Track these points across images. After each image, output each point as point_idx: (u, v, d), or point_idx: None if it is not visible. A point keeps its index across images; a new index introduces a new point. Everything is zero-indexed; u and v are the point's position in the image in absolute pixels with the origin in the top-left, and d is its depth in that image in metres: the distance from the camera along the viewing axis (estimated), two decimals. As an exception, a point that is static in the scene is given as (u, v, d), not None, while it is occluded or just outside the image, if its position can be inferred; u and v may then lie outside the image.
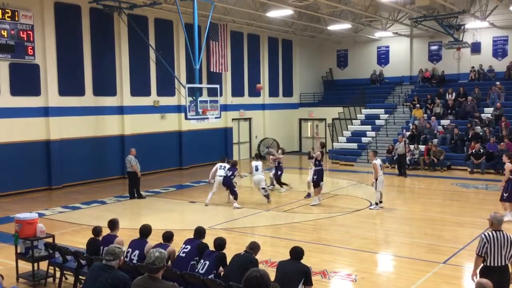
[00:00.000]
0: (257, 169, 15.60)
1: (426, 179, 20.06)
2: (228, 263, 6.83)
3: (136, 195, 16.39)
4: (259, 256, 9.05)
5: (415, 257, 9.83)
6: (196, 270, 6.92)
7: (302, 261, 6.52)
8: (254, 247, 6.90)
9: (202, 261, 6.97)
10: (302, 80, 32.04)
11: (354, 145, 25.79)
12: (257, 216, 13.74)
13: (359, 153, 25.07)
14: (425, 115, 25.52)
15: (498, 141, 21.39)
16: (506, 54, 27.38)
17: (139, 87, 21.82)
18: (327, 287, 8.33)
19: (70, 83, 19.25)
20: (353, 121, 28.10)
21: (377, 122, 27.06)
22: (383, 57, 31.55)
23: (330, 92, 32.45)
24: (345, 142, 26.61)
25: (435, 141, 23.23)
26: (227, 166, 15.19)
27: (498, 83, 25.51)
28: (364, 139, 25.86)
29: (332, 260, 9.70)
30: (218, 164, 15.57)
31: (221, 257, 6.94)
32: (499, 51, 27.73)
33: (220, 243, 7.09)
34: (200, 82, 18.78)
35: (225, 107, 25.34)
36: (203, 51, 18.72)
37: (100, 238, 8.09)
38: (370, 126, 26.90)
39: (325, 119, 29.95)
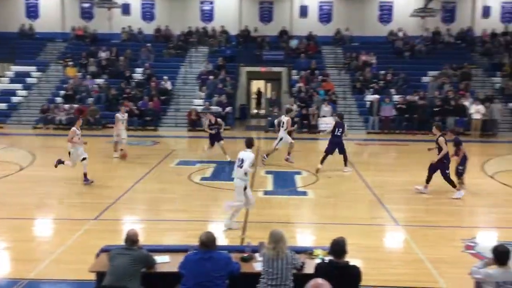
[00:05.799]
0: None
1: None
2: None
3: None
4: None
5: (66, 218, 9.81)
6: None
7: None
8: None
9: None
10: None
11: (3, 106, 23.63)
12: None
13: (9, 114, 23.18)
14: (80, 74, 25.29)
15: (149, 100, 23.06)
16: (154, 18, 29.32)
17: None
18: None
19: None
20: (1, 78, 25.58)
21: (29, 80, 25.44)
22: (33, 10, 29.38)
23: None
24: (-7, 102, 24.13)
25: (90, 100, 23.36)
26: None
27: (149, 44, 27.15)
28: (14, 99, 24.00)
29: None
30: None
31: None
32: (147, 14, 29.46)
33: None
34: None
35: None
36: None
37: None
38: (21, 85, 25.06)
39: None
